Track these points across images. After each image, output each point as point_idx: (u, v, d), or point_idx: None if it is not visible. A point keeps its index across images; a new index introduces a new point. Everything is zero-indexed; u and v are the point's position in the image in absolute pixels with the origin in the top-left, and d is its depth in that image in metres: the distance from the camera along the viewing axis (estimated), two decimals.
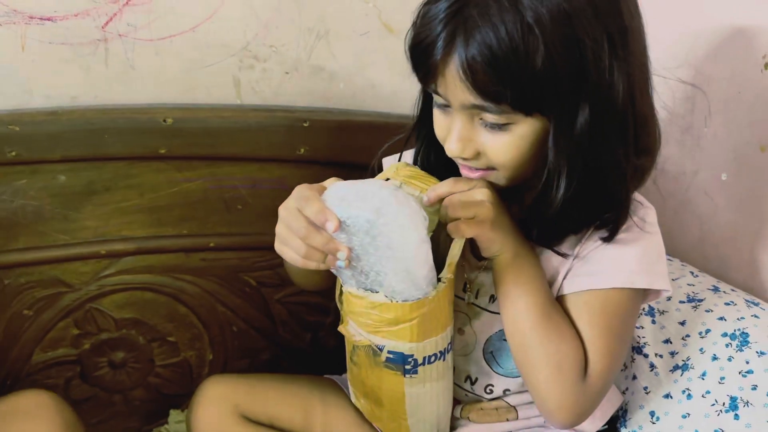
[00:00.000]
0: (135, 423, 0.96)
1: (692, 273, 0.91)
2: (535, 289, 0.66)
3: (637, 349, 0.81)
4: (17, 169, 0.81)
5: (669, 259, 0.95)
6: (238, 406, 0.78)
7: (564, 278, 0.69)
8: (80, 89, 0.86)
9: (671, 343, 0.81)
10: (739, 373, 0.73)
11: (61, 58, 0.85)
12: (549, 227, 0.68)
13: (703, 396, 0.74)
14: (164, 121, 0.84)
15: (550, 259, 0.70)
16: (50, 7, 0.84)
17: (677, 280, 0.90)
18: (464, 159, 0.65)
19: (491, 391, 0.75)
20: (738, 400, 0.72)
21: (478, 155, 0.65)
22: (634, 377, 0.81)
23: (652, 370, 0.80)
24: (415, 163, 0.75)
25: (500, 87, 0.59)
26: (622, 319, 0.69)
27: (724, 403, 0.73)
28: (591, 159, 0.63)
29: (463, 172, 0.68)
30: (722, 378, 0.75)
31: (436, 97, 0.65)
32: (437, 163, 0.72)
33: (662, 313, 0.85)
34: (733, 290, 0.87)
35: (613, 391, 0.79)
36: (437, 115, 0.67)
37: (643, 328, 0.83)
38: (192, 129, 0.85)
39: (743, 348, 0.76)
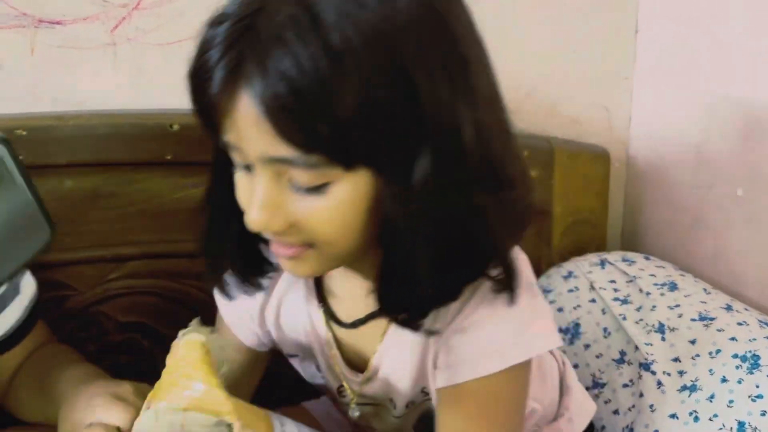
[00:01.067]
0: None
1: (705, 290, 0.90)
2: None
3: (645, 366, 0.80)
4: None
5: (681, 274, 0.94)
6: None
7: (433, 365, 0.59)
8: (88, 94, 0.86)
9: (680, 361, 0.80)
10: (749, 397, 0.72)
11: (70, 62, 0.85)
12: (405, 305, 0.54)
13: (710, 419, 0.73)
14: (171, 126, 0.84)
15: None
16: (60, 10, 0.84)
17: (689, 296, 0.88)
18: (274, 233, 0.51)
19: None
20: (746, 426, 0.70)
21: (290, 227, 0.50)
22: (641, 395, 0.79)
23: (659, 388, 0.79)
24: (211, 241, 0.60)
25: (306, 131, 0.45)
26: (511, 402, 0.59)
27: (731, 428, 0.71)
28: (441, 216, 0.49)
29: (275, 249, 0.53)
30: (731, 401, 0.73)
31: (233, 155, 0.50)
32: (244, 241, 0.57)
33: (672, 330, 0.83)
34: (746, 309, 0.85)
35: (585, 399, 0.77)
36: (239, 178, 0.52)
37: (652, 345, 0.82)
38: (199, 135, 0.84)
39: (754, 371, 0.74)
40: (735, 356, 0.76)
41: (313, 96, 0.44)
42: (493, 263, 0.54)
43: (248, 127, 0.46)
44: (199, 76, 0.48)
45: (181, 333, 0.58)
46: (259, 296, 0.64)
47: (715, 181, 0.97)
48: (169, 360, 0.56)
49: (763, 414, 0.70)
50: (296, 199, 0.49)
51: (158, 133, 0.84)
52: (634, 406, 0.80)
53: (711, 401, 0.74)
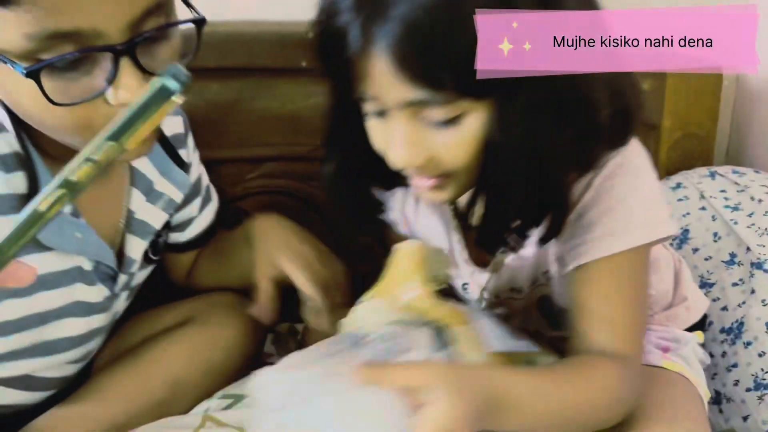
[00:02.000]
0: None
1: None
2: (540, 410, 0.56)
3: (757, 265, 0.83)
4: None
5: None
6: None
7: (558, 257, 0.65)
8: (236, 3, 0.93)
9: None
10: None
11: None
12: (509, 230, 0.59)
13: None
14: (307, 34, 0.90)
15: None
16: None
17: None
18: (416, 168, 0.55)
19: None
20: None
21: (430, 161, 0.55)
22: (753, 291, 0.83)
23: None
24: (335, 187, 0.65)
25: (440, 69, 0.49)
26: (636, 282, 0.63)
27: None
28: (540, 143, 0.54)
29: (416, 183, 0.58)
30: None
31: (366, 105, 0.56)
32: (366, 182, 0.65)
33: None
34: None
35: (699, 292, 0.79)
36: (373, 126, 0.57)
37: (764, 246, 0.85)
38: None
39: None
40: None
41: (439, 38, 0.48)
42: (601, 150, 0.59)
43: (384, 78, 0.51)
44: (329, 42, 0.53)
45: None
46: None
47: None
48: (390, 262, 0.62)
49: None
50: (433, 134, 0.54)
51: (295, 40, 0.91)
52: (744, 302, 0.84)
53: None
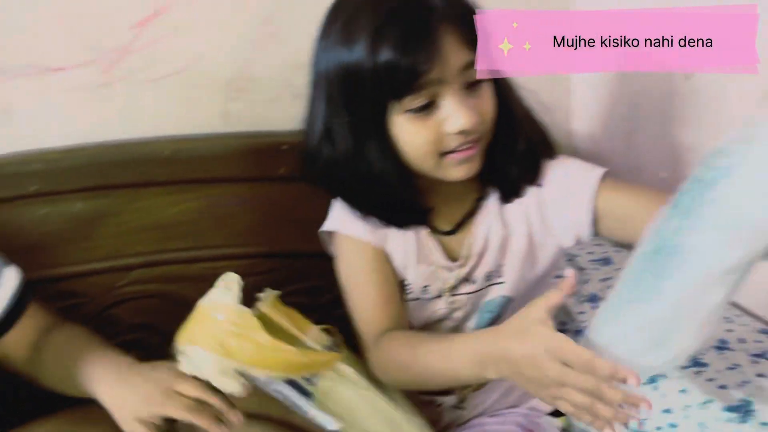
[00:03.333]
0: None
1: None
2: None
3: (579, 332, 0.92)
4: (39, 200, 0.96)
5: (616, 251, 1.07)
6: None
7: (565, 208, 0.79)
8: (91, 128, 1.01)
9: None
10: None
11: (74, 101, 1.00)
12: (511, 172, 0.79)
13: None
14: (162, 152, 0.98)
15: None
16: (61, 58, 0.98)
17: (620, 270, 1.01)
18: (473, 130, 0.72)
19: None
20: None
21: (477, 119, 0.72)
22: None
23: None
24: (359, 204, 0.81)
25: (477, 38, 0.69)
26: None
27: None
28: (514, 96, 0.78)
29: (461, 156, 0.73)
30: None
31: (412, 104, 0.70)
32: (382, 203, 0.80)
33: (603, 299, 0.93)
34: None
35: None
36: (412, 124, 0.72)
37: (584, 313, 0.95)
38: (187, 158, 1.00)
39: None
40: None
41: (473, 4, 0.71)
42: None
43: (449, 53, 0.69)
44: (411, 42, 0.68)
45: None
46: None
47: (643, 165, 1.10)
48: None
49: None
50: (473, 97, 0.72)
51: (153, 158, 0.99)
52: None
53: None
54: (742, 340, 0.85)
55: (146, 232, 1.02)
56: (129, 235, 1.01)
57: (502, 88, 0.77)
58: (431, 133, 0.72)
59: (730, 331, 0.88)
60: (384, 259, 0.82)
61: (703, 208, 0.56)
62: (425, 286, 0.83)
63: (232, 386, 0.76)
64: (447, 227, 0.84)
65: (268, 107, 1.07)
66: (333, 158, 0.77)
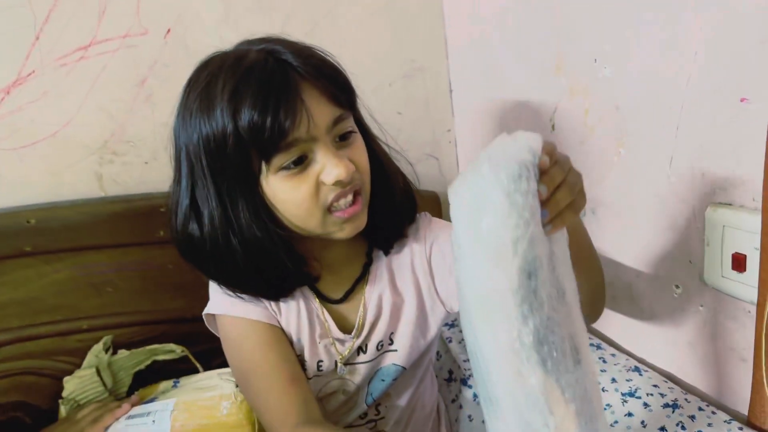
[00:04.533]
0: None
1: None
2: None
3: (464, 381, 0.93)
4: None
5: None
6: None
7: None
8: None
9: None
10: None
11: None
12: (398, 224, 0.81)
13: None
14: (28, 221, 0.94)
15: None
16: None
17: None
18: (350, 179, 0.71)
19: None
20: None
21: (354, 169, 0.72)
22: (460, 406, 0.92)
23: (475, 400, 0.87)
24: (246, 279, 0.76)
25: (342, 88, 0.71)
26: None
27: None
28: (382, 149, 0.80)
29: (350, 211, 0.72)
30: None
31: (283, 161, 0.68)
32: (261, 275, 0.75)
33: None
34: None
35: None
36: (288, 181, 0.70)
37: (468, 361, 0.95)
38: (55, 226, 0.96)
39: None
40: None
41: (332, 62, 0.72)
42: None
43: (316, 110, 0.68)
44: (271, 99, 0.66)
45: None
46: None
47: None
48: None
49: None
50: (345, 149, 0.72)
51: (17, 229, 0.94)
52: (457, 420, 0.94)
53: None
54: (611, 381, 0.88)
55: (14, 307, 0.97)
56: None
57: (372, 141, 0.78)
58: (309, 186, 0.70)
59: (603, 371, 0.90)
60: (279, 336, 0.78)
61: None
62: (319, 362, 0.80)
63: None
64: (336, 295, 0.81)
65: (144, 169, 1.05)
66: (200, 236, 0.72)
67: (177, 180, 0.74)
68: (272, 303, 0.78)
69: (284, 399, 0.72)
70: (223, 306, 0.78)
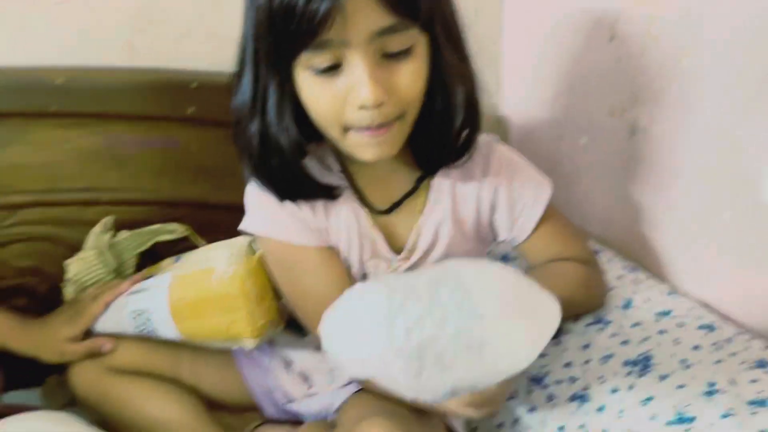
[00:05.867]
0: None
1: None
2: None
3: (537, 380, 0.80)
4: None
5: None
6: (104, 362, 0.87)
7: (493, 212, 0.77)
8: None
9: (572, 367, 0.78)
10: (640, 402, 0.69)
11: None
12: (452, 151, 0.71)
13: None
14: (55, 81, 0.91)
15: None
16: None
17: None
18: (379, 105, 0.61)
19: None
20: None
21: (389, 95, 0.62)
22: (532, 409, 0.78)
23: (550, 401, 0.77)
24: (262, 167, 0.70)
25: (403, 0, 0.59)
26: (559, 213, 0.81)
27: None
28: (458, 71, 0.67)
29: (372, 134, 0.64)
30: (621, 411, 0.69)
31: (313, 61, 0.61)
32: (284, 170, 0.69)
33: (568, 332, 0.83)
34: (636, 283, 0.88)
35: None
36: (315, 84, 0.62)
37: (546, 355, 0.81)
38: (83, 88, 0.93)
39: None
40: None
41: None
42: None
43: (357, 13, 0.58)
44: (307, 1, 0.57)
45: None
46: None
47: (564, 132, 1.09)
48: None
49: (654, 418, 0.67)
50: (390, 67, 0.62)
51: (43, 86, 0.92)
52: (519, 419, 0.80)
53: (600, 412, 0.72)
54: (647, 300, 0.84)
55: (35, 169, 0.95)
56: (17, 171, 0.94)
57: (442, 60, 0.66)
58: (333, 100, 0.62)
59: (635, 293, 0.87)
60: (328, 258, 0.73)
61: None
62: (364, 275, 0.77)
63: None
64: (383, 206, 0.75)
65: (178, 43, 1.01)
66: (241, 115, 0.68)
67: (238, 61, 0.69)
68: (320, 217, 0.74)
69: None
70: (266, 226, 0.74)
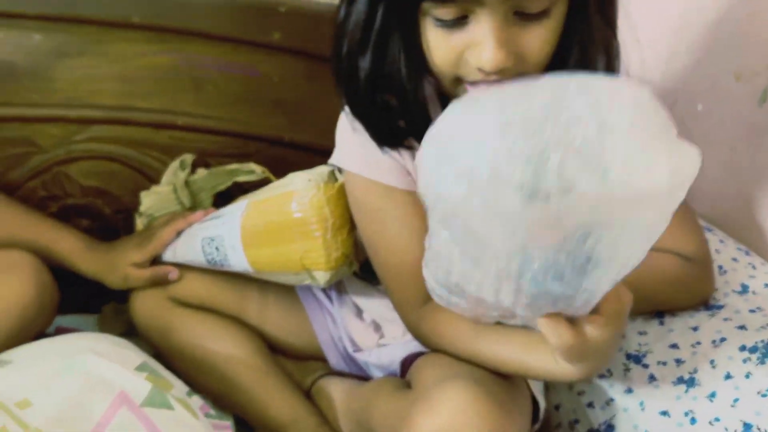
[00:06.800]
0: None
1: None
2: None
3: (635, 358, 0.72)
4: None
5: None
6: (170, 293, 0.83)
7: None
8: None
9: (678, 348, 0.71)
10: (758, 393, 0.61)
11: None
12: None
13: (710, 424, 0.62)
14: None
15: None
16: None
17: None
18: (501, 70, 0.56)
19: None
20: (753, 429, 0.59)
21: (515, 60, 0.56)
22: (629, 390, 0.70)
23: (651, 383, 0.70)
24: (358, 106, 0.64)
25: None
26: None
27: (736, 430, 0.60)
28: (603, 40, 0.60)
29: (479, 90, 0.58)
30: (736, 399, 0.62)
31: (437, 12, 0.56)
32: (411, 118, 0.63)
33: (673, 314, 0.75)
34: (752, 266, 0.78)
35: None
36: (435, 34, 0.57)
37: (646, 333, 0.74)
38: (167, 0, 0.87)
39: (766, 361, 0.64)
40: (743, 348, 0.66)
41: None
42: None
43: None
44: None
45: None
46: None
47: (678, 98, 0.98)
48: None
49: None
50: (521, 31, 0.55)
51: None
52: (612, 400, 0.72)
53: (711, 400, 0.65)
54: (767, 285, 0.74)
55: (110, 83, 0.90)
56: (90, 82, 0.90)
57: (587, 26, 0.59)
58: (451, 53, 0.57)
59: (752, 277, 0.76)
60: (416, 203, 0.64)
61: None
62: None
63: None
64: None
65: None
66: (348, 48, 0.61)
67: None
68: (409, 161, 0.67)
69: (416, 279, 0.60)
70: (357, 163, 0.68)
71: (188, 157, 0.93)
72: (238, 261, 0.77)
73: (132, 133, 0.93)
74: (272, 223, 0.75)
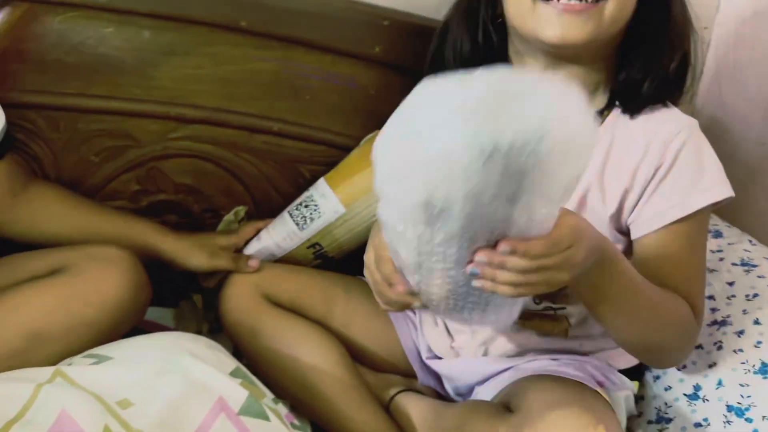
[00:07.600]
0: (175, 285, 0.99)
1: (750, 241, 0.89)
2: (631, 293, 0.61)
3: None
4: (105, 16, 0.85)
5: (728, 226, 0.93)
6: (262, 289, 0.84)
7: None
8: None
9: (714, 299, 0.80)
10: None
11: None
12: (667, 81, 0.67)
13: (734, 352, 0.73)
14: None
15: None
16: None
17: (733, 245, 0.88)
18: None
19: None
20: None
21: None
22: None
23: None
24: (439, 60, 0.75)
25: None
26: (705, 242, 0.69)
27: (754, 365, 0.70)
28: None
29: (562, 9, 0.61)
30: (759, 342, 0.72)
31: None
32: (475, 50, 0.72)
33: (711, 271, 0.83)
34: None
35: None
36: None
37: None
38: (275, 7, 0.88)
39: None
40: None
41: None
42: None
43: None
44: None
45: None
46: None
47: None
48: None
49: None
50: None
51: None
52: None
53: (739, 336, 0.74)
54: None
55: (212, 84, 0.91)
56: (193, 82, 0.90)
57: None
58: None
59: None
60: None
61: None
62: None
63: None
64: None
65: None
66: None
67: None
68: None
69: None
70: None
71: (241, 210, 0.96)
72: (330, 206, 0.86)
73: (228, 134, 0.93)
74: (353, 156, 0.86)
